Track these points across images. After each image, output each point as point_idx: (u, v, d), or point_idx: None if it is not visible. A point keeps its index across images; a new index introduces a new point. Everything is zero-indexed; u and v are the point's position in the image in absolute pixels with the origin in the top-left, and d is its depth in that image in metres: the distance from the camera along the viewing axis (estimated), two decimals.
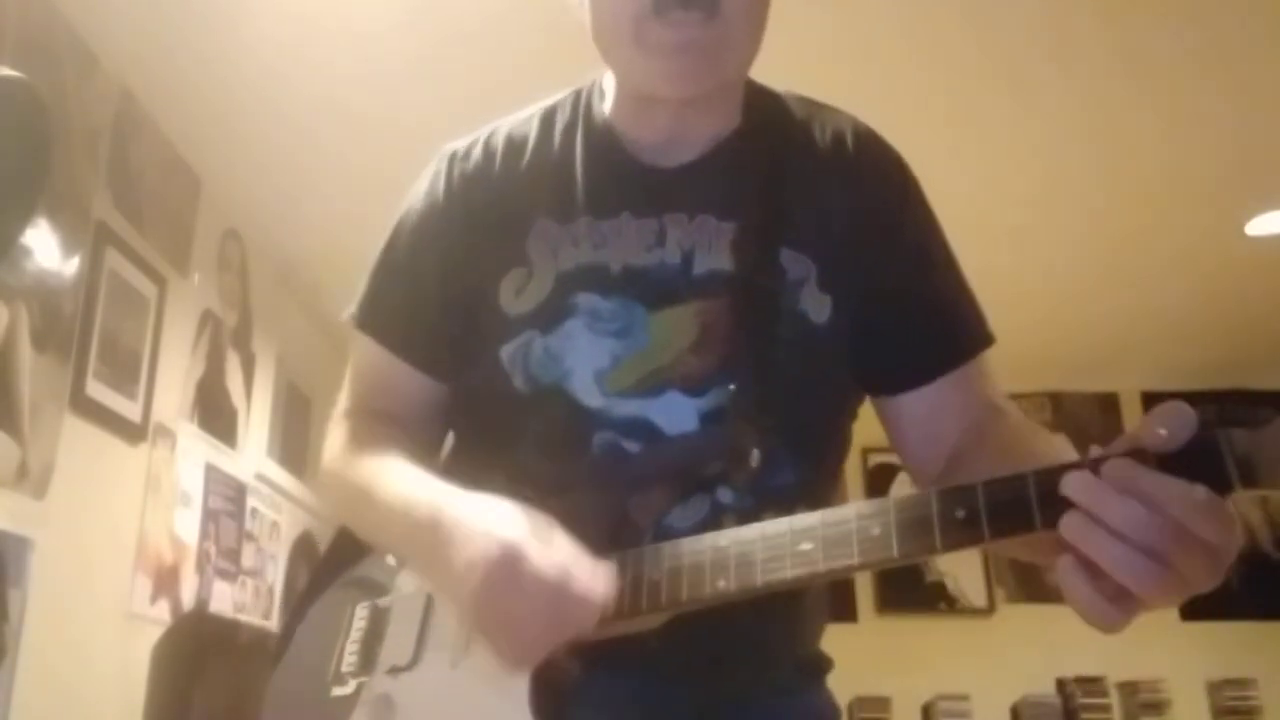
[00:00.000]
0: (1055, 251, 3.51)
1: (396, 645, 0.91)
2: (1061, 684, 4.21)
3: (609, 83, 1.01)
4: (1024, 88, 2.63)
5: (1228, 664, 4.26)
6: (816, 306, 0.92)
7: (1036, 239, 3.41)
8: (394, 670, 0.89)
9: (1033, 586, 4.51)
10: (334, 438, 1.04)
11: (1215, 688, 4.25)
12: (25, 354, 2.06)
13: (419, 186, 1.05)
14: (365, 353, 1.05)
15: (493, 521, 0.79)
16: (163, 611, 2.58)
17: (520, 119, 1.05)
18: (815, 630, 1.00)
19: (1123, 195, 3.17)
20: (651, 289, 0.92)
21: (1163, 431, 0.61)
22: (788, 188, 0.95)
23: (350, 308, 1.06)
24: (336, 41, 2.44)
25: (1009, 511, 0.65)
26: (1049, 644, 4.30)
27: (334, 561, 1.04)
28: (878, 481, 4.57)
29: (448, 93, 2.61)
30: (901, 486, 4.59)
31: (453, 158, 1.04)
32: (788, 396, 0.89)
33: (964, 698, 4.13)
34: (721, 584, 0.75)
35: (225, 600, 2.98)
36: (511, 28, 2.33)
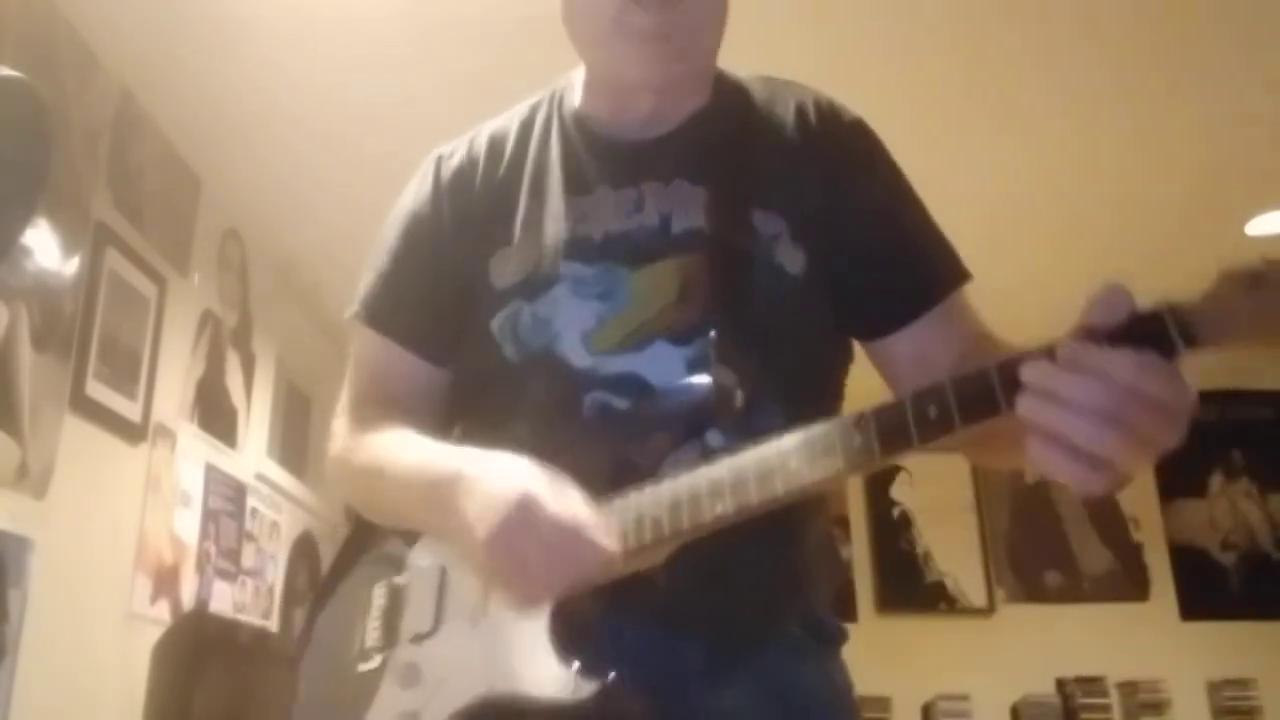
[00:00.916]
0: (1054, 251, 3.51)
1: (416, 616, 0.94)
2: (1061, 684, 4.21)
3: (579, 77, 1.09)
4: (1020, 90, 2.63)
5: (1228, 664, 4.25)
6: (791, 259, 0.96)
7: (1036, 239, 3.41)
8: (416, 639, 0.93)
9: (1033, 586, 4.51)
10: (339, 429, 1.08)
11: (1215, 688, 4.24)
12: (25, 354, 2.06)
13: (409, 188, 1.11)
14: (367, 346, 1.09)
15: (510, 472, 0.84)
16: (163, 611, 2.58)
17: (500, 120, 1.12)
18: (821, 588, 1.03)
19: (1122, 195, 3.17)
20: (632, 249, 0.97)
21: (1105, 309, 0.68)
22: (756, 154, 1.02)
23: (351, 306, 1.10)
24: (337, 43, 2.44)
25: (976, 400, 0.71)
26: (1049, 644, 4.31)
27: (352, 550, 1.08)
28: (878, 481, 4.58)
29: (449, 92, 2.60)
30: (901, 487, 4.61)
31: (440, 159, 1.10)
32: (769, 341, 0.94)
33: (964, 698, 4.12)
34: (719, 508, 0.79)
35: (225, 600, 2.98)
36: (512, 14, 2.32)
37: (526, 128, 1.08)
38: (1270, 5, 2.35)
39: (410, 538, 1.00)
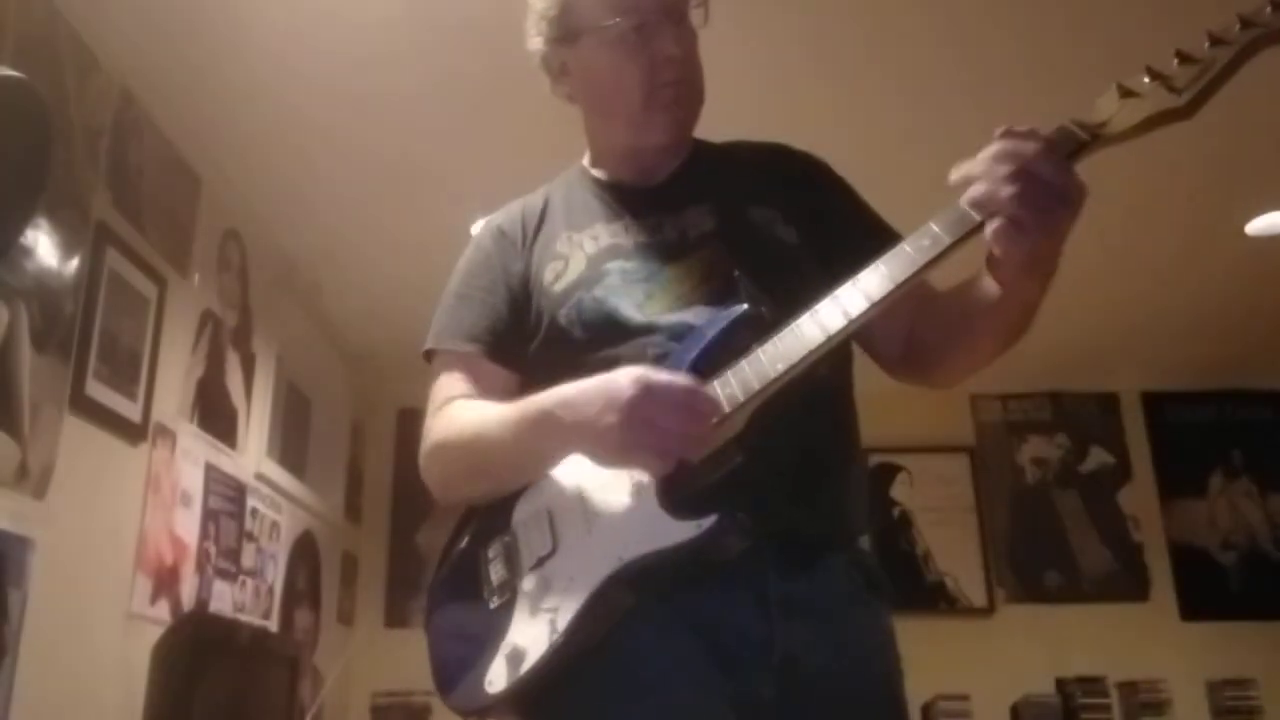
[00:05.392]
0: None
1: (534, 546, 1.08)
2: (1061, 684, 4.21)
3: (586, 160, 1.34)
4: (1018, 86, 2.63)
5: (1228, 664, 4.26)
6: (787, 233, 1.20)
7: None
8: (540, 562, 1.07)
9: (1033, 586, 4.52)
10: (428, 433, 1.21)
11: (1215, 688, 4.25)
12: (25, 354, 2.06)
13: (467, 251, 1.31)
14: (449, 365, 1.24)
15: (613, 374, 1.00)
16: (163, 611, 2.58)
17: (530, 196, 1.33)
18: (861, 520, 1.18)
19: (1123, 195, 3.17)
20: (663, 252, 1.19)
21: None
22: (738, 174, 1.28)
23: (428, 341, 1.26)
24: (337, 42, 2.44)
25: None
26: (1049, 644, 4.31)
27: (459, 532, 1.21)
28: (878, 481, 4.58)
29: (450, 92, 2.61)
30: (901, 486, 4.61)
31: (488, 223, 1.31)
32: (783, 285, 1.12)
33: (964, 698, 4.13)
34: (780, 366, 0.98)
35: (225, 600, 2.98)
36: (512, 15, 2.32)
37: (553, 195, 1.31)
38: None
39: (507, 508, 1.12)
